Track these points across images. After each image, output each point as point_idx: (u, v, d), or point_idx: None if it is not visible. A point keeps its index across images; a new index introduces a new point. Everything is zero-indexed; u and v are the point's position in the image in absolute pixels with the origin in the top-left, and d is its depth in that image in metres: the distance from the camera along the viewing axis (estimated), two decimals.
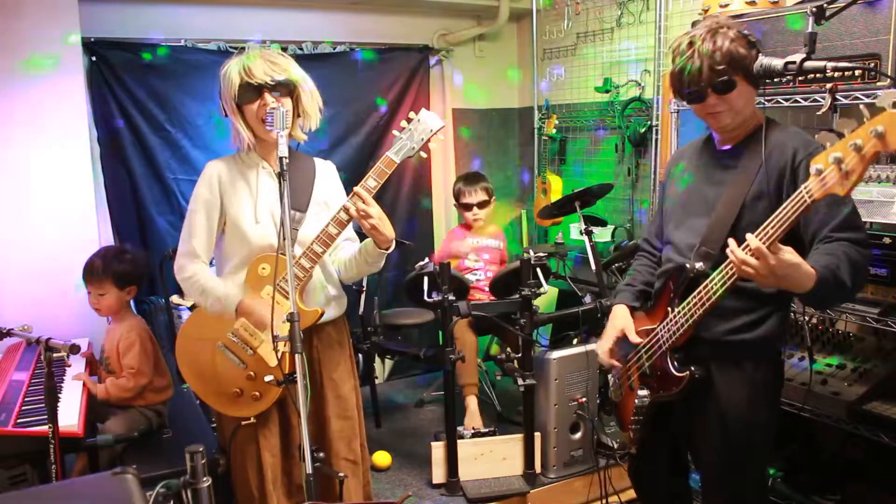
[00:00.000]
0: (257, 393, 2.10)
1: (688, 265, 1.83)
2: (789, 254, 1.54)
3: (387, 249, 2.12)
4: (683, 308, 1.82)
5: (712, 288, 1.72)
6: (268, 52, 2.08)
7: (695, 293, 1.79)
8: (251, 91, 2.02)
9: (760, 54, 1.77)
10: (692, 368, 1.84)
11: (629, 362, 2.05)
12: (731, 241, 1.61)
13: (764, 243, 1.53)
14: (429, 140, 2.06)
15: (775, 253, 1.53)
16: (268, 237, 2.12)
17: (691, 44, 1.77)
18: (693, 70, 1.76)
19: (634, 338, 1.99)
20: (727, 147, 1.90)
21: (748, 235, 1.57)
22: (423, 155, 2.09)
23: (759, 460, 1.93)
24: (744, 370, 1.85)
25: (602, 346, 2.08)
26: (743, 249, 1.57)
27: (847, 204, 1.69)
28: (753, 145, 1.83)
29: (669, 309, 1.88)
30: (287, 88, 2.07)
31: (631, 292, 2.12)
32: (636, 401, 1.98)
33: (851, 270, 1.62)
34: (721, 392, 1.86)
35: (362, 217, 2.01)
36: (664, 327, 1.89)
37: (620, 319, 2.05)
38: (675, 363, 1.87)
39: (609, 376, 2.17)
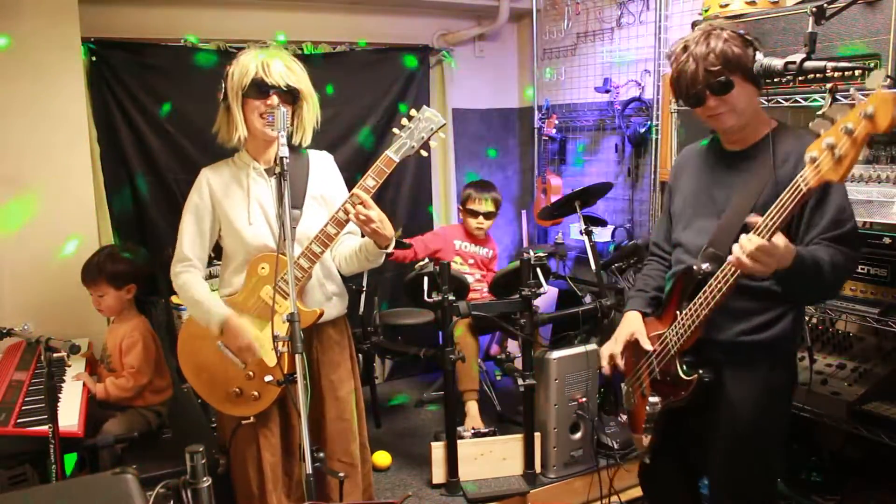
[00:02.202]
0: (256, 393, 2.10)
1: (695, 267, 1.80)
2: (782, 243, 1.55)
3: (387, 248, 2.12)
4: (690, 310, 1.80)
5: (716, 286, 1.71)
6: (288, 57, 2.10)
7: (699, 294, 1.77)
8: (262, 88, 2.03)
9: (758, 52, 1.75)
10: (700, 372, 1.80)
11: (641, 369, 2.00)
12: (745, 238, 1.58)
13: (764, 235, 1.54)
14: (429, 138, 2.06)
15: (775, 245, 1.53)
16: (261, 237, 2.12)
17: (686, 48, 1.77)
18: (689, 73, 1.75)
19: (647, 345, 1.94)
20: (737, 149, 1.87)
21: (745, 237, 1.56)
22: (424, 153, 2.08)
23: (769, 467, 1.89)
24: (758, 372, 1.82)
25: (606, 349, 2.05)
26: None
27: (849, 221, 1.71)
28: (765, 150, 1.80)
29: (678, 312, 1.85)
30: (293, 97, 2.08)
31: (643, 298, 2.07)
32: (647, 408, 1.93)
33: (831, 268, 1.64)
34: (732, 395, 1.83)
35: (362, 222, 2.01)
36: (672, 331, 1.86)
37: (632, 325, 2.01)
38: (684, 367, 1.84)
39: (622, 384, 2.12)
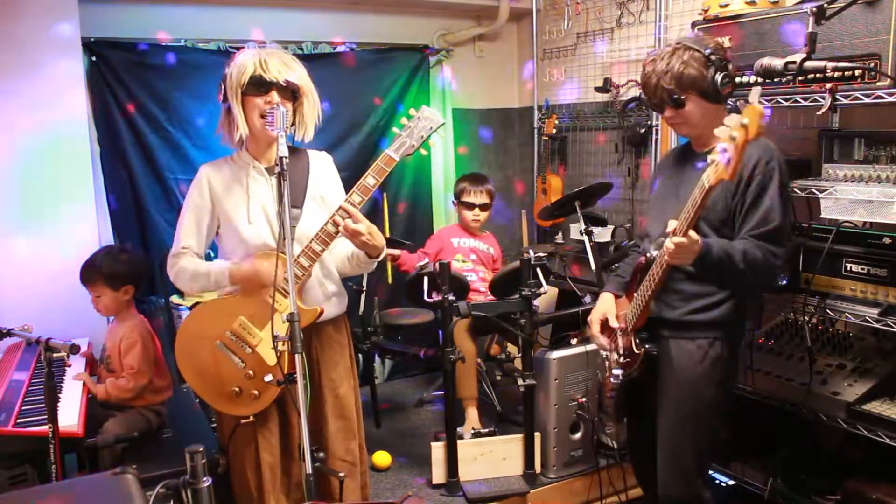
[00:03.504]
0: (256, 392, 2.10)
1: (648, 254, 2.04)
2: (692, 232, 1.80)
3: (377, 257, 2.13)
4: (639, 292, 2.06)
5: (654, 273, 1.96)
6: (285, 54, 2.11)
7: (644, 279, 2.02)
8: (260, 85, 2.03)
9: (720, 73, 1.92)
10: (647, 346, 2.09)
11: (610, 345, 2.27)
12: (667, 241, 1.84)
13: (681, 230, 1.79)
14: (428, 136, 2.06)
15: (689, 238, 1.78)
16: (261, 236, 2.12)
17: (654, 61, 2.00)
18: (650, 85, 2.01)
19: (614, 322, 2.21)
20: (701, 151, 2.09)
21: (668, 237, 1.81)
22: (424, 152, 2.09)
23: (703, 433, 2.09)
24: (698, 345, 2.06)
25: (591, 328, 2.32)
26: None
27: (775, 220, 1.92)
28: None
29: (636, 294, 2.10)
30: (293, 93, 2.08)
31: (617, 282, 2.34)
32: (611, 379, 2.22)
33: (742, 257, 1.89)
34: (675, 364, 2.09)
35: (351, 235, 2.01)
36: (630, 311, 2.14)
37: (603, 305, 2.28)
38: (637, 341, 2.12)
39: (598, 360, 2.41)
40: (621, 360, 2.20)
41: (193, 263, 2.16)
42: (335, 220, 2.01)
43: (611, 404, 2.28)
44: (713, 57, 1.94)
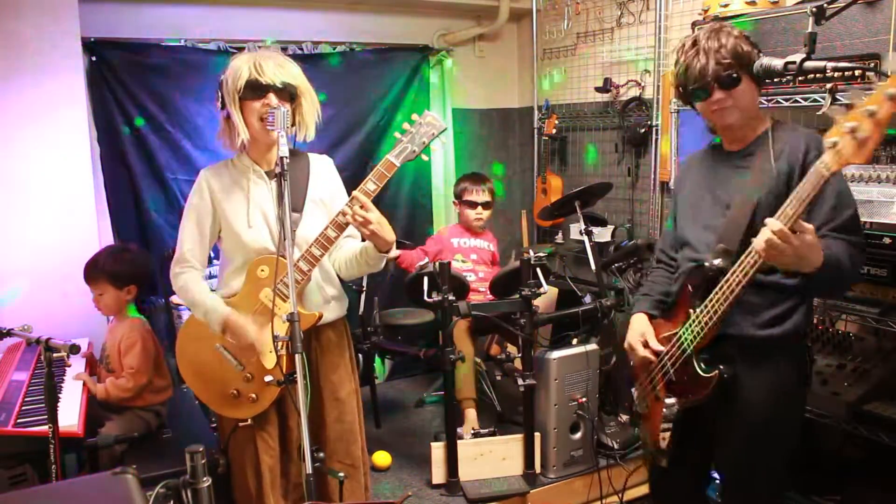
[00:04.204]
0: (254, 395, 2.10)
1: (706, 263, 1.81)
2: (811, 235, 1.57)
3: (387, 252, 2.12)
4: (707, 306, 1.80)
5: (734, 280, 1.72)
6: (280, 56, 2.10)
7: (717, 289, 1.77)
8: (257, 88, 2.02)
9: (761, 54, 1.80)
10: (720, 367, 1.81)
11: (653, 371, 2.00)
12: (769, 221, 1.58)
13: (787, 224, 1.55)
14: (430, 142, 2.05)
15: (801, 232, 1.55)
16: (261, 241, 2.12)
17: (695, 42, 1.81)
18: (698, 66, 1.79)
19: (656, 345, 1.97)
20: (736, 149, 1.92)
21: (769, 220, 1.57)
22: (425, 157, 2.08)
23: (779, 463, 1.91)
24: (770, 370, 1.84)
25: (635, 350, 2.04)
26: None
27: (849, 207, 1.75)
28: (763, 145, 1.85)
29: (691, 310, 1.86)
30: (290, 94, 2.08)
31: (649, 301, 2.10)
32: (664, 410, 1.93)
33: (849, 263, 1.69)
34: (746, 391, 1.85)
35: (361, 224, 2.00)
36: (687, 329, 1.86)
37: (640, 327, 2.04)
38: (702, 365, 1.84)
39: (632, 389, 2.13)
40: (673, 386, 1.93)
41: (196, 288, 2.13)
42: (344, 210, 2.01)
43: (667, 440, 1.96)
44: (752, 39, 1.83)
